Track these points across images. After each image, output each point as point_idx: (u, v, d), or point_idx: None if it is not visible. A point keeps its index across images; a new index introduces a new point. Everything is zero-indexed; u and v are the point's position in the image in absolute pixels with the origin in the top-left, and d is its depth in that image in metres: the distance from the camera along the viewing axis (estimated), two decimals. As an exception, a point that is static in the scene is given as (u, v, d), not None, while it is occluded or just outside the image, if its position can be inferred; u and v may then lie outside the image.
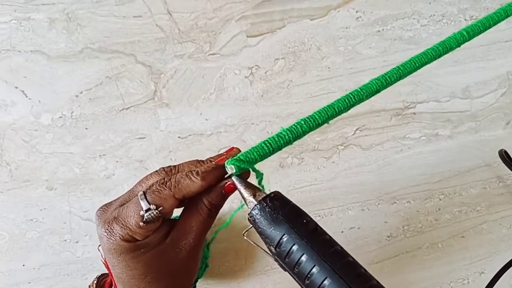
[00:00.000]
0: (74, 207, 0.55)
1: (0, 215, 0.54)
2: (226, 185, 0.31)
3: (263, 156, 0.32)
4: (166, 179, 0.30)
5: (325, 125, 0.59)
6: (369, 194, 0.57)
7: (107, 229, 0.29)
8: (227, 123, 0.59)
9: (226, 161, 0.31)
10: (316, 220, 0.58)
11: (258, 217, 0.29)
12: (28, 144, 0.56)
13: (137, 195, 0.30)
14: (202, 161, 0.32)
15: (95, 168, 0.56)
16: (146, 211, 0.28)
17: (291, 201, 0.31)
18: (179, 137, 0.58)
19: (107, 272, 0.38)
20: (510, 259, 0.55)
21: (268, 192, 0.31)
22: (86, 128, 0.57)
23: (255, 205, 0.30)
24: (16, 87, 0.58)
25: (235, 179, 0.31)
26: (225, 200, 0.32)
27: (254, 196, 0.30)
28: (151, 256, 0.30)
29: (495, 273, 0.55)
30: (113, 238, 0.29)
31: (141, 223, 0.28)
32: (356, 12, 0.63)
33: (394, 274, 0.56)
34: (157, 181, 0.30)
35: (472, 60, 0.63)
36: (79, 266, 0.53)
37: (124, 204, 0.30)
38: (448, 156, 0.60)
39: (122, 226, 0.29)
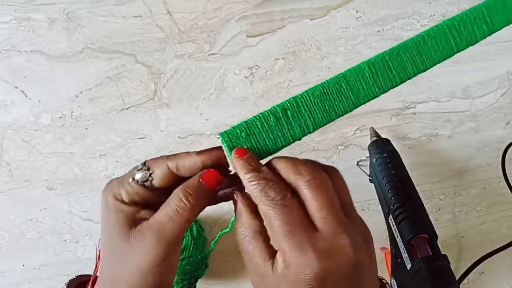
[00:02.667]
0: (74, 207, 0.55)
1: (0, 215, 0.54)
2: (205, 173, 0.30)
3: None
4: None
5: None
6: (369, 194, 0.57)
7: (106, 186, 0.31)
8: (227, 123, 0.59)
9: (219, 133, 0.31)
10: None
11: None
12: (28, 144, 0.56)
13: None
14: None
15: (95, 168, 0.56)
16: (138, 170, 0.30)
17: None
18: (179, 137, 0.58)
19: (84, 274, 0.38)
20: (510, 260, 0.55)
21: None
22: (86, 128, 0.57)
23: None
24: (16, 87, 0.58)
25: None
26: (204, 197, 0.30)
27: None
28: (134, 234, 0.29)
29: (495, 273, 0.55)
30: (105, 195, 0.30)
31: (130, 179, 0.29)
32: (356, 12, 0.63)
33: (394, 274, 0.56)
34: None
35: (472, 60, 0.63)
36: (79, 266, 0.53)
37: None
38: (448, 156, 0.60)
39: (119, 183, 0.30)
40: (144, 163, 0.30)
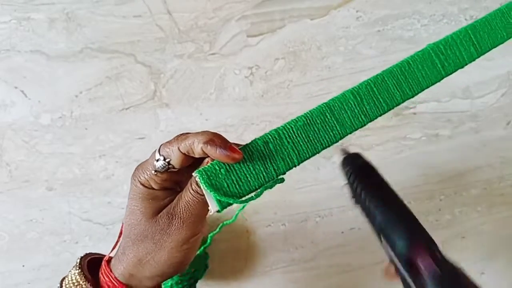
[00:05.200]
0: (74, 207, 0.55)
1: (0, 215, 0.54)
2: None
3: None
4: (182, 134, 0.31)
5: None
6: (369, 195, 0.57)
7: (134, 173, 0.32)
8: (227, 123, 0.59)
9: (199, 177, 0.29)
10: (316, 221, 0.58)
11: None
12: (28, 144, 0.56)
13: None
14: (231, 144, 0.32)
15: (95, 168, 0.56)
16: (157, 160, 0.30)
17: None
18: (179, 137, 0.58)
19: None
20: (506, 258, 0.55)
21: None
22: (86, 128, 0.57)
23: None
24: (16, 87, 0.57)
25: None
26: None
27: None
28: (161, 216, 0.32)
29: (495, 273, 0.55)
30: (135, 182, 0.32)
31: (153, 171, 0.31)
32: (357, 11, 0.63)
33: (394, 274, 0.56)
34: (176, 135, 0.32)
35: (473, 60, 0.63)
36: (78, 267, 0.53)
37: None
38: (448, 156, 0.60)
39: (142, 171, 0.32)
40: (160, 151, 0.31)
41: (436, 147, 0.60)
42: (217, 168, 0.29)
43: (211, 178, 0.29)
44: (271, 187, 0.31)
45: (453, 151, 0.61)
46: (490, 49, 0.37)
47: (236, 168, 0.29)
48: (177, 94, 0.59)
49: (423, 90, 0.34)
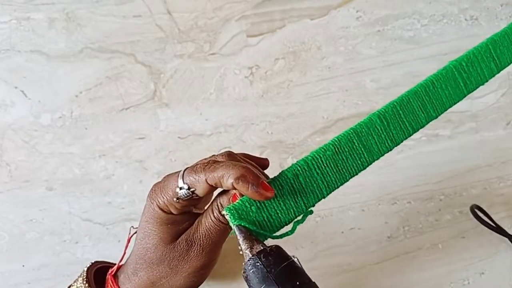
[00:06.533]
0: (74, 207, 0.55)
1: (0, 215, 0.54)
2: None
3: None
4: (209, 163, 0.29)
5: (325, 125, 0.59)
6: (369, 195, 0.57)
7: (151, 195, 0.31)
8: (227, 123, 0.59)
9: (230, 216, 0.27)
10: (316, 221, 0.58)
11: (250, 273, 0.26)
12: (28, 144, 0.56)
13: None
14: (255, 160, 0.33)
15: (95, 168, 0.56)
16: (180, 188, 0.29)
17: (290, 258, 0.27)
18: (179, 137, 0.58)
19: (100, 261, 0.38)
20: (506, 258, 0.55)
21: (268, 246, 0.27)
22: (86, 128, 0.57)
23: (249, 259, 0.26)
24: (16, 87, 0.57)
25: (235, 228, 0.27)
26: None
27: (251, 249, 0.26)
28: (180, 243, 0.31)
29: (495, 273, 0.55)
30: (152, 205, 0.31)
31: (174, 198, 0.30)
32: (357, 11, 0.63)
33: (394, 275, 0.56)
34: (201, 162, 0.30)
35: (473, 60, 0.63)
36: (78, 267, 0.53)
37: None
38: (448, 156, 0.60)
39: (161, 195, 0.30)
40: (183, 179, 0.29)
41: (436, 147, 0.60)
42: (248, 205, 0.27)
43: (242, 216, 0.27)
44: (302, 221, 0.29)
45: (453, 151, 0.61)
46: (508, 64, 0.36)
47: (267, 205, 0.28)
48: (177, 94, 0.59)
49: (445, 110, 0.33)
